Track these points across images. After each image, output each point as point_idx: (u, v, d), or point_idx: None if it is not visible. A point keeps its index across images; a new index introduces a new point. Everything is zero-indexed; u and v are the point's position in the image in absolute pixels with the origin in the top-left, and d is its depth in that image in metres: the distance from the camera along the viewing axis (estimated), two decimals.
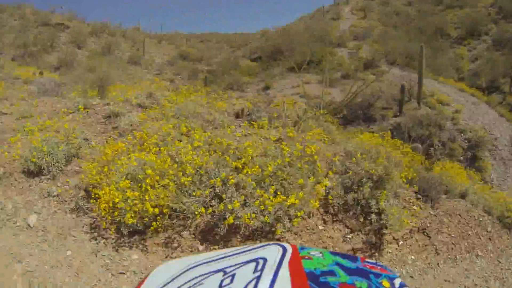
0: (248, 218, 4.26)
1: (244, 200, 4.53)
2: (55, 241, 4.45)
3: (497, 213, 6.53)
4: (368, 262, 0.83)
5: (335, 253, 0.85)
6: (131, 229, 4.49)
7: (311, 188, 5.01)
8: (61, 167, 5.32)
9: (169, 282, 0.85)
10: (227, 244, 4.53)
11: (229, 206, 4.25)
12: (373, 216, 5.03)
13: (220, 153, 5.12)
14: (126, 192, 4.35)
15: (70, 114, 6.76)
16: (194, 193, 4.48)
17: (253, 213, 4.40)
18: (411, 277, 4.79)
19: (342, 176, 5.38)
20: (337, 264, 0.79)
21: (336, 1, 42.37)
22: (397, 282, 0.77)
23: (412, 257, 5.10)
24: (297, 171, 4.99)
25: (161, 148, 5.13)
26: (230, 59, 29.03)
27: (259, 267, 0.77)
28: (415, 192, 6.05)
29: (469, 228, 5.92)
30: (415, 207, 5.72)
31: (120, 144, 5.36)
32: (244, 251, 0.89)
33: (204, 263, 0.89)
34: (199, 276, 0.82)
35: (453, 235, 5.65)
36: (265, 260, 0.80)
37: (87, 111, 6.77)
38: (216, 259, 0.89)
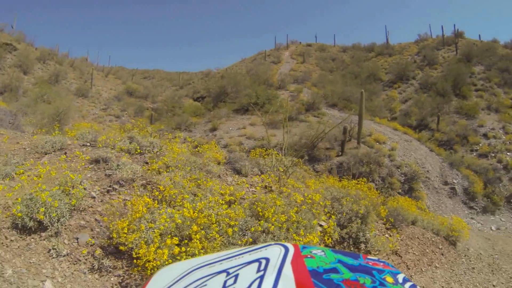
0: None
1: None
2: None
3: (444, 233, 9.12)
4: (370, 259, 0.90)
5: (337, 251, 0.91)
6: None
7: (316, 228, 6.92)
8: (65, 223, 5.07)
9: (172, 284, 0.90)
10: None
11: None
12: (362, 245, 7.09)
13: (246, 205, 6.55)
14: (174, 249, 4.79)
15: (45, 155, 6.65)
16: (239, 242, 5.68)
17: None
18: None
19: (337, 216, 7.41)
20: (340, 261, 0.85)
21: (276, 45, 47.09)
22: (400, 277, 0.83)
23: None
24: (306, 215, 6.76)
25: (198, 204, 5.85)
26: (174, 97, 30.77)
27: (262, 267, 0.83)
28: (384, 223, 8.30)
29: (426, 247, 8.32)
30: (387, 235, 7.93)
31: (149, 200, 5.78)
32: (246, 252, 0.95)
33: (207, 264, 0.95)
34: (203, 277, 0.87)
35: (416, 254, 7.95)
36: (267, 260, 0.86)
37: (65, 153, 6.69)
38: (219, 261, 0.95)
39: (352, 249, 7.08)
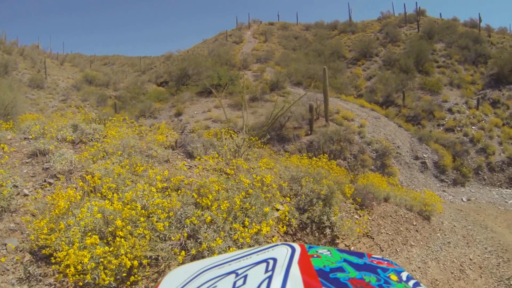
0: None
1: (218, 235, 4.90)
2: None
3: (417, 209, 8.37)
4: (374, 258, 0.91)
5: (342, 251, 0.92)
6: None
7: (271, 214, 5.89)
8: None
9: (183, 286, 0.90)
10: None
11: (212, 244, 4.59)
12: (327, 230, 6.14)
13: (182, 191, 5.61)
14: (96, 249, 4.07)
15: None
16: (173, 238, 4.73)
17: (229, 247, 4.78)
18: None
19: (295, 199, 6.41)
20: (345, 260, 0.85)
21: (238, 25, 45.74)
22: (404, 275, 0.83)
23: None
24: (257, 200, 5.77)
25: (125, 194, 4.99)
26: (137, 83, 29.31)
27: (270, 267, 0.83)
28: (352, 203, 7.42)
29: (400, 225, 7.52)
30: (356, 216, 7.05)
31: (71, 192, 4.95)
32: (253, 253, 0.95)
33: (216, 266, 0.95)
34: (213, 279, 0.87)
35: (389, 233, 7.13)
36: (275, 260, 0.86)
37: (6, 149, 6.05)
38: (227, 262, 0.95)
39: (317, 235, 6.13)
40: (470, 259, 7.43)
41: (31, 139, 6.68)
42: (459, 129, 18.29)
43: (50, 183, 5.46)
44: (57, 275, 4.12)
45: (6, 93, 12.30)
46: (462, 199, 13.56)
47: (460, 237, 8.60)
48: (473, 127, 18.14)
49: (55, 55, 39.41)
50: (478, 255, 7.68)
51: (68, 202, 4.79)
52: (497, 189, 14.63)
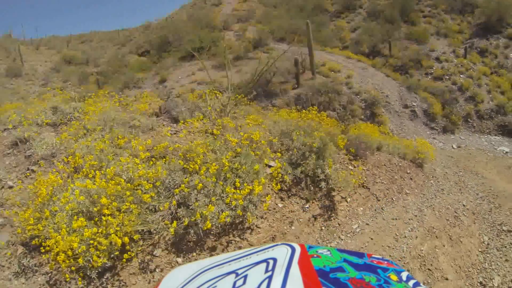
0: (224, 218, 4.44)
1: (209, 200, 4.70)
2: None
3: (410, 157, 8.20)
4: (374, 257, 0.91)
5: (342, 250, 0.92)
6: (99, 269, 4.08)
7: (263, 172, 5.62)
8: None
9: (183, 286, 0.90)
10: (203, 247, 4.64)
11: (205, 212, 4.37)
12: (323, 183, 5.92)
13: (167, 158, 5.30)
14: (84, 232, 3.91)
15: None
16: (161, 208, 4.47)
17: (222, 210, 4.60)
18: (367, 224, 5.86)
19: (287, 155, 6.12)
20: (345, 260, 0.85)
21: None
22: (404, 275, 0.83)
23: (361, 208, 6.19)
24: (246, 159, 5.48)
25: (107, 170, 4.75)
26: (117, 56, 28.36)
27: (270, 267, 0.82)
28: (346, 154, 7.19)
29: (394, 173, 7.36)
30: (350, 167, 6.83)
31: (52, 177, 4.71)
32: (253, 253, 0.95)
33: (216, 266, 0.94)
34: (212, 279, 0.87)
35: (384, 182, 6.97)
36: (275, 260, 0.86)
37: None
38: (227, 262, 0.95)
39: (312, 189, 5.92)
40: (464, 205, 7.40)
41: (10, 129, 6.37)
42: (447, 77, 17.98)
43: (33, 171, 5.28)
44: (50, 264, 4.06)
45: None
46: (452, 146, 13.55)
47: (453, 183, 8.55)
48: (461, 76, 17.88)
49: (29, 41, 38.03)
50: (471, 201, 7.66)
51: (51, 188, 4.63)
52: (486, 136, 14.63)
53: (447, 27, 22.79)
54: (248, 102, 8.78)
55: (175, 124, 7.01)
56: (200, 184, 4.63)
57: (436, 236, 5.96)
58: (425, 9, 25.58)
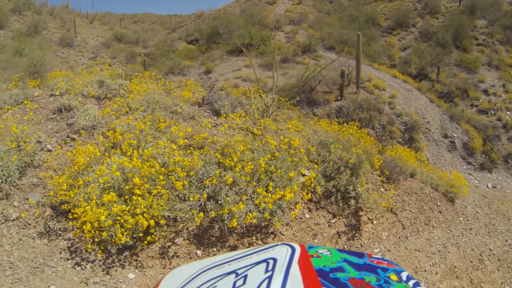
0: (250, 218, 4.50)
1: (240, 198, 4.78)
2: (31, 278, 3.70)
3: (443, 189, 8.05)
4: (374, 258, 0.92)
5: (342, 251, 0.92)
6: (120, 246, 4.16)
7: (296, 179, 5.71)
8: (15, 182, 4.50)
9: (183, 286, 0.91)
10: (225, 244, 4.73)
11: (233, 209, 4.45)
12: (352, 201, 5.94)
13: (205, 149, 5.45)
14: (113, 207, 4.04)
15: (8, 110, 5.99)
16: (191, 198, 4.55)
17: (250, 211, 4.67)
18: (389, 250, 5.85)
19: (322, 166, 6.18)
20: (345, 260, 0.86)
21: None
22: (404, 275, 0.85)
23: (385, 233, 6.18)
24: (283, 163, 5.56)
25: (145, 151, 4.87)
26: (167, 41, 29.05)
27: (270, 267, 0.83)
28: (379, 176, 7.16)
29: (424, 203, 7.27)
30: (382, 189, 6.81)
31: (91, 148, 4.91)
32: (253, 253, 0.96)
33: (216, 266, 0.95)
34: (212, 278, 0.88)
35: (413, 211, 6.91)
36: (275, 260, 0.87)
37: (30, 106, 6.04)
38: (227, 262, 0.96)
39: (341, 205, 5.96)
40: (490, 250, 7.23)
41: (57, 95, 6.65)
42: (493, 112, 17.28)
43: (73, 139, 5.43)
44: (74, 231, 4.17)
45: (35, 51, 12.38)
46: (487, 185, 13.10)
47: (482, 224, 8.33)
48: (507, 112, 17.17)
49: (84, 14, 39.37)
50: (498, 247, 7.47)
51: (88, 158, 4.74)
52: None
53: (500, 59, 21.86)
54: (291, 106, 8.86)
55: (216, 117, 7.15)
56: (230, 179, 4.73)
57: (457, 276, 5.88)
58: (480, 36, 24.65)
